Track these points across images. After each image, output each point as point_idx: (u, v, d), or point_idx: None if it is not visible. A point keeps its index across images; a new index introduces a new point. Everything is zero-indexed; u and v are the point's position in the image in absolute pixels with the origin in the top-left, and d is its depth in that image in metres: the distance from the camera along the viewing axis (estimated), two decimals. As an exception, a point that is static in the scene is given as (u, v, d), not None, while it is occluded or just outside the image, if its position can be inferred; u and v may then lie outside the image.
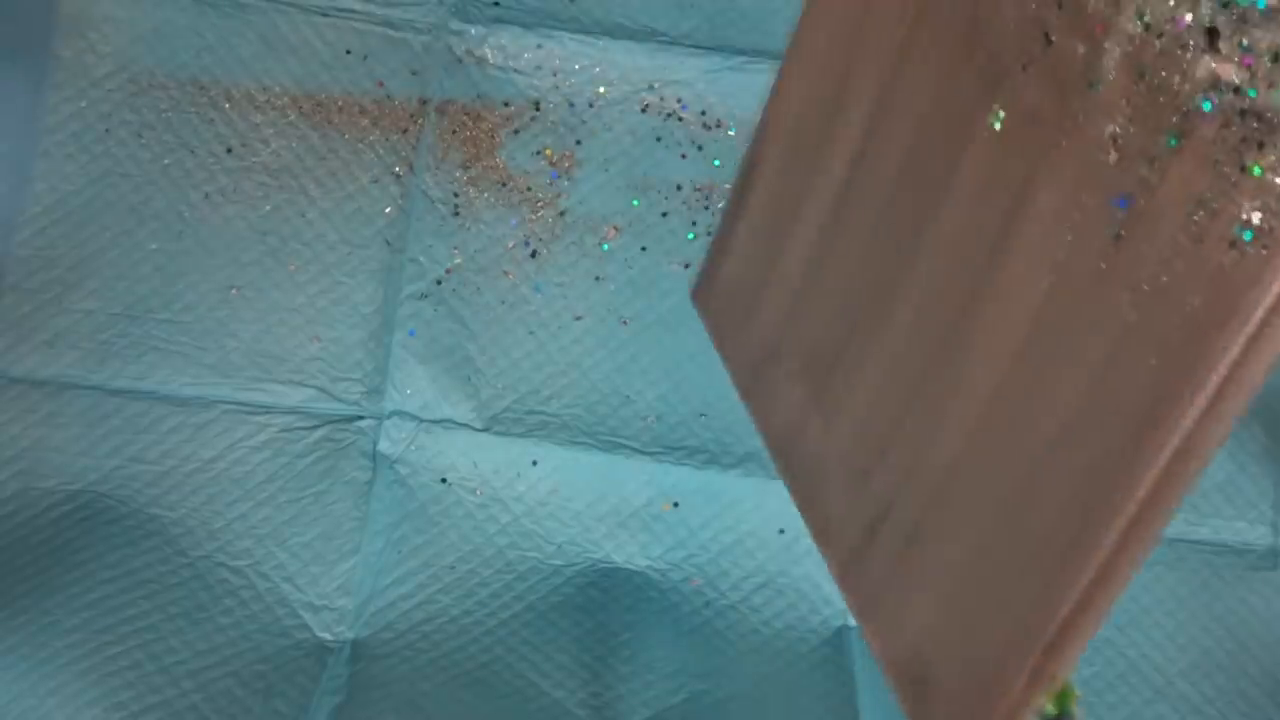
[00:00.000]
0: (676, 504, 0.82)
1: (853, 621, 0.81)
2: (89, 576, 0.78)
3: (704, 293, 0.59)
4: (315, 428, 0.81)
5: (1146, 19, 0.37)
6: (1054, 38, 0.41)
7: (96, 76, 0.83)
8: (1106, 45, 0.39)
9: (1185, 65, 0.36)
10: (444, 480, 0.81)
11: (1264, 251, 0.34)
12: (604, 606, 0.80)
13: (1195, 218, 0.36)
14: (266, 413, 0.81)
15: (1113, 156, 0.39)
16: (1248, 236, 0.34)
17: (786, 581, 0.81)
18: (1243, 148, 0.34)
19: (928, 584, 0.46)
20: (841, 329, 0.50)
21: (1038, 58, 0.42)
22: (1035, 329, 0.42)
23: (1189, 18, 0.36)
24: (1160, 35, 0.37)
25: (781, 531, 0.81)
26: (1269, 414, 0.83)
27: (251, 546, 0.80)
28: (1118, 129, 0.39)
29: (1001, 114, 0.43)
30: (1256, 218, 0.34)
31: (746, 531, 0.82)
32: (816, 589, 0.81)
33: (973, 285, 0.44)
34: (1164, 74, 0.37)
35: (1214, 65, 0.35)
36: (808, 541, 0.80)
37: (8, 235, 0.81)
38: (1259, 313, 0.34)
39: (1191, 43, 0.36)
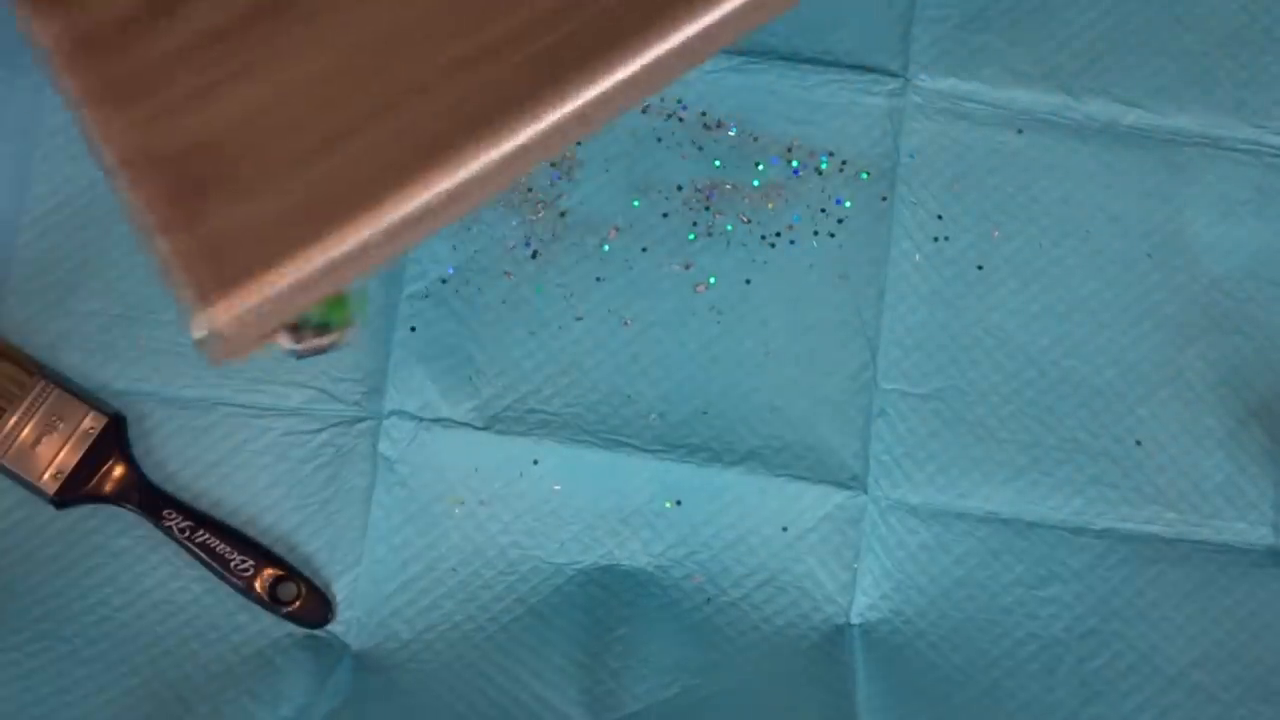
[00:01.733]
0: (679, 501, 0.82)
1: (854, 619, 0.81)
2: (104, 604, 0.78)
3: None
4: (318, 431, 0.81)
5: None
6: None
7: (98, 78, 0.83)
8: None
9: None
10: (445, 479, 0.81)
11: None
12: (603, 603, 0.80)
13: None
14: (268, 415, 0.81)
15: None
16: None
17: (789, 579, 0.81)
18: None
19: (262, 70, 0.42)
20: None
21: None
22: None
23: None
24: None
25: (785, 529, 0.82)
26: (1269, 414, 0.84)
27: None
28: None
29: None
30: None
31: (749, 529, 0.82)
32: (819, 586, 0.81)
33: None
34: None
35: None
36: (811, 539, 0.81)
37: (10, 237, 0.81)
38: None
39: None
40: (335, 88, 0.42)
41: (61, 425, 0.77)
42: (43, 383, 0.78)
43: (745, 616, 0.81)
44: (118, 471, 0.78)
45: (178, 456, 0.81)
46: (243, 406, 0.81)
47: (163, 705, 0.75)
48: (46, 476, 0.77)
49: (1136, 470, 0.83)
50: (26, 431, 0.77)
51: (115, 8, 0.44)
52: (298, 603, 0.78)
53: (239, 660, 0.78)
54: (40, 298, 0.81)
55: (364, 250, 0.42)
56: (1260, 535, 0.82)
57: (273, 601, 0.78)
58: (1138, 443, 0.83)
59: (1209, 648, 0.81)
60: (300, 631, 0.79)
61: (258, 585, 0.77)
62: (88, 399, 0.79)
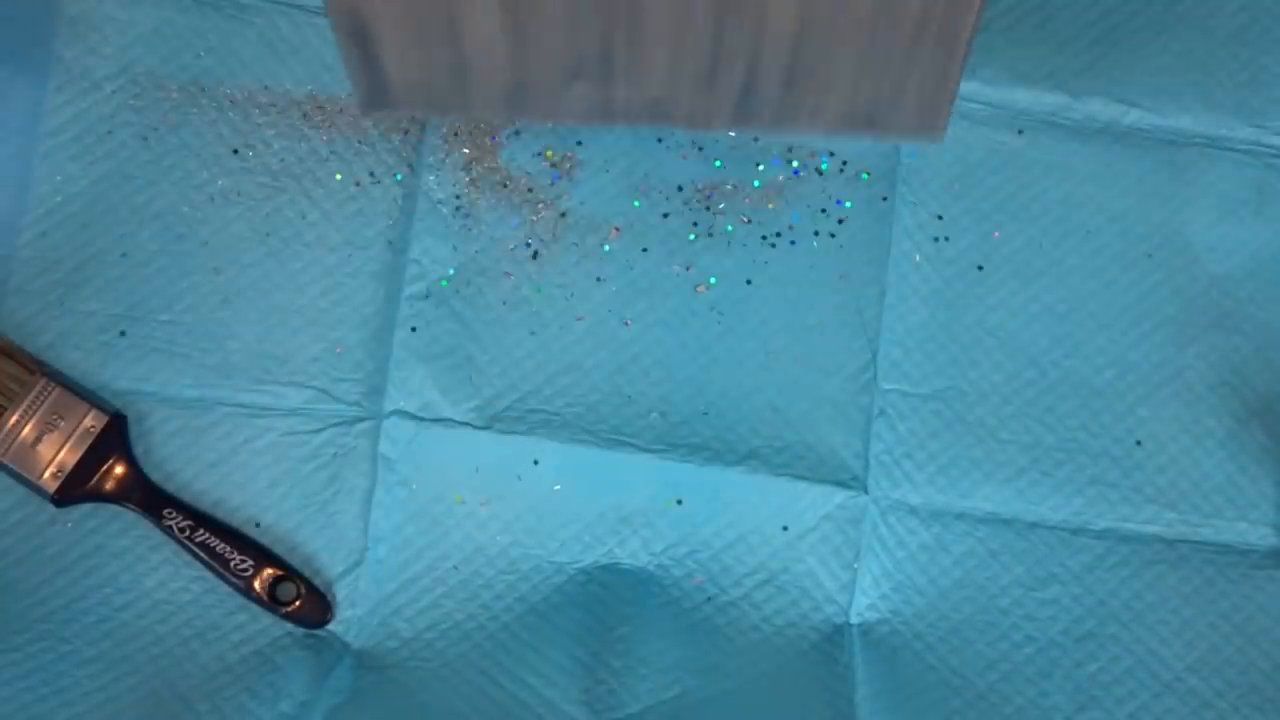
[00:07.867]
0: (680, 500, 0.82)
1: (854, 619, 0.81)
2: (104, 604, 0.78)
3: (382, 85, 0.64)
4: (318, 431, 0.81)
5: None
6: None
7: (98, 78, 0.83)
8: None
9: None
10: (446, 479, 0.81)
11: None
12: (604, 602, 0.80)
13: None
14: (268, 415, 0.81)
15: None
16: None
17: (789, 578, 0.81)
18: None
19: None
20: None
21: None
22: None
23: None
24: None
25: (785, 528, 0.82)
26: (1269, 414, 0.84)
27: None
28: None
29: None
30: None
31: (749, 528, 0.82)
32: (819, 586, 0.81)
33: None
34: None
35: None
36: (811, 539, 0.81)
37: (11, 237, 0.81)
38: None
39: None
40: None
41: (62, 424, 0.77)
42: (44, 381, 0.78)
43: (745, 616, 0.81)
44: (118, 470, 0.78)
45: (178, 456, 0.81)
46: (243, 406, 0.81)
47: (163, 705, 0.76)
48: (47, 475, 0.77)
49: (1136, 470, 0.83)
50: (27, 430, 0.77)
51: None
52: (297, 603, 0.78)
53: (239, 659, 0.78)
54: (40, 297, 0.81)
55: None
56: (1261, 535, 0.83)
57: (272, 601, 0.78)
58: (1138, 443, 0.83)
59: (1205, 652, 0.81)
60: (300, 631, 0.79)
61: (257, 585, 0.77)
62: (89, 398, 0.79)
